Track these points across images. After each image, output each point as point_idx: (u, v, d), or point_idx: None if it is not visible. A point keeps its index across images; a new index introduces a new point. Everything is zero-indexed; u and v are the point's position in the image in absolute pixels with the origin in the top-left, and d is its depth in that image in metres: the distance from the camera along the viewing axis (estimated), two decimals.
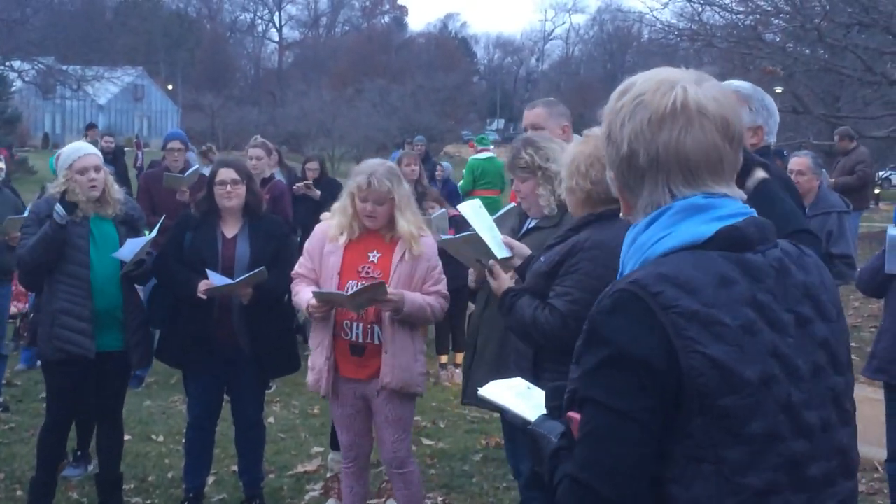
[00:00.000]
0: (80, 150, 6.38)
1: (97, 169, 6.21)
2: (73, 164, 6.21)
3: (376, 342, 5.65)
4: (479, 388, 2.91)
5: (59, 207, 6.06)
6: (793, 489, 2.14)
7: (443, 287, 5.78)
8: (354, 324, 5.64)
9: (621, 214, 2.35)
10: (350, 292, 5.47)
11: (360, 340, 5.66)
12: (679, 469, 2.09)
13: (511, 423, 3.28)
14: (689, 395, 2.06)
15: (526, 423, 2.53)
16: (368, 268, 5.63)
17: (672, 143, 2.17)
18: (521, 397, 2.74)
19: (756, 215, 2.24)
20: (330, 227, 5.75)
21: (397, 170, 5.87)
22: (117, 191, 6.36)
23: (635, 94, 2.22)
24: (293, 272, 5.93)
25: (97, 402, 6.58)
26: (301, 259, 5.91)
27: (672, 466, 2.10)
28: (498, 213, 5.66)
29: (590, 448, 2.12)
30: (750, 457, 2.08)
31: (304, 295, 5.71)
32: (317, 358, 5.75)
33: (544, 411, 2.48)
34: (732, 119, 2.21)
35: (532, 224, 5.22)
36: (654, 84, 2.22)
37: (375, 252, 5.67)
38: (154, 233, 6.42)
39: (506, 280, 4.68)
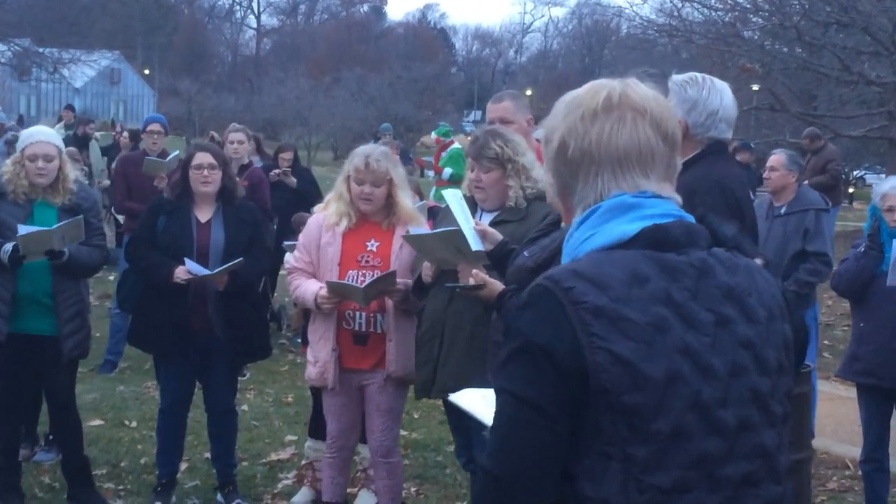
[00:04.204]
0: (34, 135, 6.33)
1: (47, 158, 6.12)
2: (25, 148, 6.16)
3: (379, 331, 5.65)
4: (450, 395, 2.88)
5: (8, 248, 5.97)
6: (705, 489, 2.11)
7: None
8: (357, 313, 5.63)
9: (562, 224, 2.36)
10: (364, 284, 5.45)
11: (364, 329, 5.66)
12: (590, 464, 2.09)
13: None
14: (594, 391, 2.06)
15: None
16: (368, 256, 5.63)
17: (604, 135, 2.20)
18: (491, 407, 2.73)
19: (686, 218, 2.25)
20: (327, 216, 5.73)
21: (391, 153, 5.89)
22: (72, 181, 6.28)
23: (572, 97, 2.28)
24: (289, 266, 5.92)
25: (45, 388, 6.52)
26: (296, 253, 5.89)
27: (584, 461, 2.10)
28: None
29: (498, 437, 2.14)
30: (657, 455, 2.07)
31: (308, 287, 5.68)
32: (320, 350, 5.73)
33: None
34: (665, 117, 2.24)
35: (495, 217, 5.22)
36: (589, 87, 2.28)
37: (373, 240, 5.66)
38: (54, 227, 6.09)
39: (493, 283, 4.64)
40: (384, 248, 5.65)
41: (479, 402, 2.78)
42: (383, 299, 5.60)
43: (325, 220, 5.74)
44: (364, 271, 5.55)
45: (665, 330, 2.08)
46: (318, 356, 5.74)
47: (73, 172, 6.37)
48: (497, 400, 2.15)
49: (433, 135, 17.83)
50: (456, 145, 16.86)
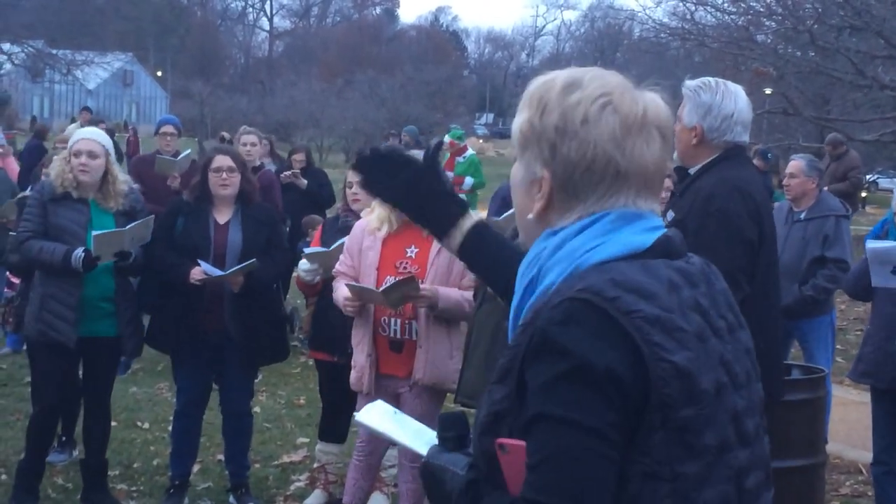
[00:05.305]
0: (81, 133, 6.47)
1: (91, 155, 6.19)
2: (73, 146, 6.26)
3: (414, 338, 5.65)
4: (355, 415, 2.73)
5: (80, 253, 6.03)
6: (737, 501, 2.03)
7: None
8: (392, 319, 5.64)
9: (531, 216, 2.14)
10: (381, 289, 5.46)
11: (398, 336, 5.66)
12: (635, 490, 1.91)
13: None
14: (653, 407, 1.90)
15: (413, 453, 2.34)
16: (406, 263, 5.62)
17: (638, 154, 2.05)
18: (397, 424, 2.53)
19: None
20: (370, 221, 5.75)
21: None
22: (122, 182, 6.35)
23: (597, 93, 2.07)
24: (334, 270, 5.94)
25: (86, 388, 6.57)
26: (341, 257, 5.91)
27: (627, 487, 1.92)
28: (505, 216, 5.64)
29: (554, 470, 1.89)
30: (704, 470, 1.95)
31: (340, 291, 5.73)
32: (358, 355, 5.76)
33: (427, 441, 2.30)
34: (672, 136, 2.17)
35: None
36: (615, 87, 2.09)
37: (413, 247, 5.65)
38: (127, 227, 6.21)
39: None
40: (422, 255, 5.63)
41: (385, 421, 2.55)
42: (417, 306, 5.60)
43: (368, 225, 5.76)
44: (401, 277, 5.54)
45: (705, 339, 2.00)
46: (357, 361, 5.78)
47: (122, 175, 6.43)
48: (541, 428, 1.92)
49: (447, 138, 17.73)
50: (470, 151, 16.80)
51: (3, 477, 6.92)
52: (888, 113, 21.47)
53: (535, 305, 2.03)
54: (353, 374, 5.82)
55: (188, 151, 10.01)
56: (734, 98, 4.55)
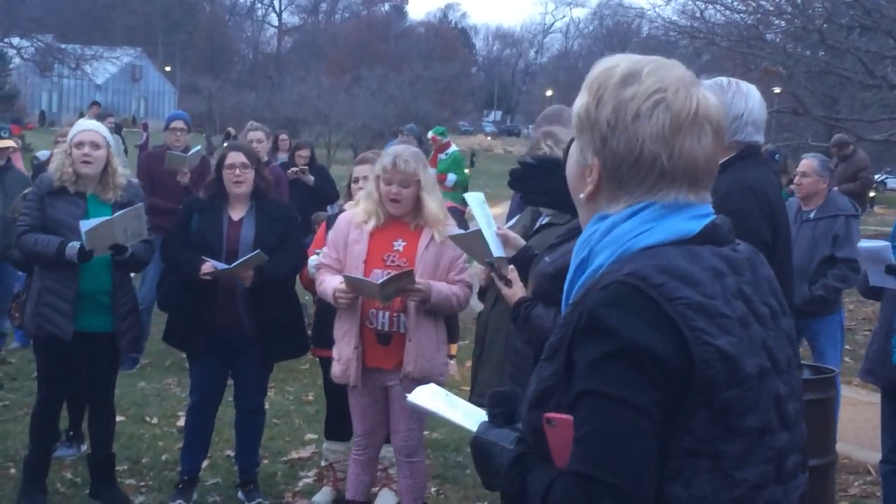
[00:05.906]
0: (83, 125, 6.48)
1: (93, 145, 6.20)
2: (74, 137, 6.27)
3: (402, 331, 5.65)
4: (408, 396, 2.75)
5: (75, 244, 6.03)
6: (775, 482, 2.11)
7: (467, 276, 5.75)
8: (380, 312, 5.64)
9: (582, 196, 2.22)
10: (380, 281, 5.45)
11: (387, 329, 5.66)
12: (677, 465, 2.01)
13: None
14: (696, 388, 1.99)
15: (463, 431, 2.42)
16: (394, 256, 5.63)
17: (686, 151, 2.11)
18: (449, 404, 2.60)
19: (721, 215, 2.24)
20: (356, 214, 5.74)
21: (422, 154, 5.88)
22: (121, 175, 6.35)
23: (652, 89, 2.11)
24: (317, 262, 5.94)
25: (87, 383, 6.58)
26: (325, 249, 5.91)
27: (669, 463, 2.01)
28: (513, 221, 5.65)
29: (599, 444, 1.97)
30: (745, 450, 2.04)
31: (329, 283, 5.70)
32: (343, 348, 5.74)
33: (477, 419, 2.38)
34: (725, 126, 2.22)
35: (545, 220, 5.15)
36: (671, 83, 2.12)
37: (401, 240, 5.66)
38: (114, 216, 6.14)
39: (519, 288, 4.57)
40: (410, 249, 5.64)
41: (438, 401, 2.62)
42: (406, 299, 5.60)
43: (353, 218, 5.75)
44: (389, 270, 5.53)
45: (748, 325, 2.08)
46: (342, 354, 5.75)
47: (121, 168, 6.43)
48: (587, 404, 2.01)
49: (430, 134, 17.77)
50: (453, 148, 16.85)
51: (13, 471, 6.92)
52: None
53: (585, 285, 2.13)
54: (337, 367, 5.79)
55: (198, 147, 10.02)
56: (745, 98, 4.53)
